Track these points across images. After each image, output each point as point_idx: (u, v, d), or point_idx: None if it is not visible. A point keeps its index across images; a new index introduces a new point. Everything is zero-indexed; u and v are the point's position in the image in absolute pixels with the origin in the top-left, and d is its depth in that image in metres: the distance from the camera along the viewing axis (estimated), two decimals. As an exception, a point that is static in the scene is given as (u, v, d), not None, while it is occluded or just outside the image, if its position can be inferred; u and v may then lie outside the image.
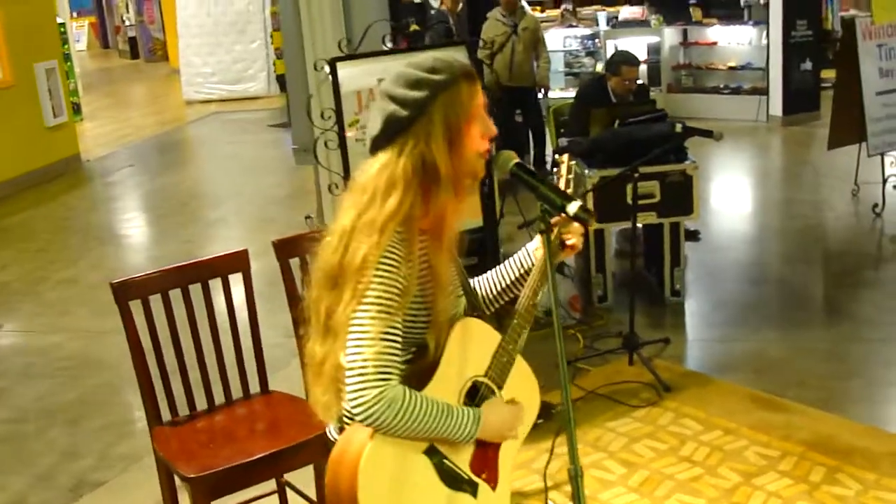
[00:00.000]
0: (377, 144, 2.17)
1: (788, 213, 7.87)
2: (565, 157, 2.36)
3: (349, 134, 4.00)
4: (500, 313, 2.44)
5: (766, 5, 11.48)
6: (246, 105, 15.80)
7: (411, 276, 2.08)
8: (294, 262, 3.31)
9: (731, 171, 9.59)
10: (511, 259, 2.44)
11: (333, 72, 3.88)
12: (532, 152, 9.60)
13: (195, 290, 3.25)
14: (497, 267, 2.48)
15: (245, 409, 3.36)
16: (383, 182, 2.12)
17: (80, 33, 27.36)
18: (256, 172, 10.87)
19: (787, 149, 10.55)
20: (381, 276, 2.05)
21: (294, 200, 9.03)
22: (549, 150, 9.10)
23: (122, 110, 16.67)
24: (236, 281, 3.33)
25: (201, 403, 3.32)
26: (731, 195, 8.75)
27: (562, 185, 2.25)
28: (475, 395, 2.22)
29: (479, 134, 2.16)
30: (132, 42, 25.72)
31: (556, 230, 2.24)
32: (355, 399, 2.00)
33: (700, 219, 6.54)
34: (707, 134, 5.02)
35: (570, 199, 2.10)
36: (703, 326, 5.76)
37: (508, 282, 2.43)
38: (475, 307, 2.37)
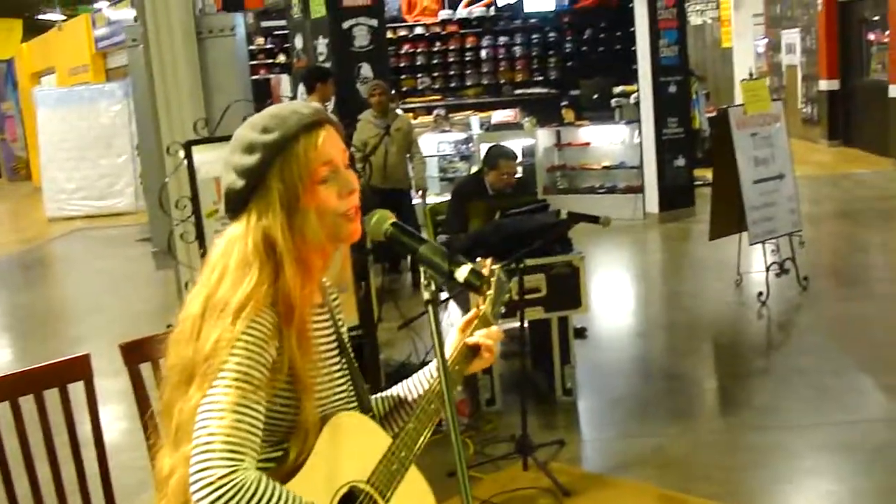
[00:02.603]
0: (229, 217, 1.89)
1: (675, 307, 7.75)
2: (488, 261, 2.09)
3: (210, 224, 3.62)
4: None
5: (637, 104, 11.64)
6: (112, 221, 15.20)
7: (280, 357, 1.77)
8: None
9: (614, 268, 9.49)
10: (414, 376, 2.15)
11: (188, 156, 3.51)
12: (408, 257, 9.31)
13: (27, 402, 2.77)
14: (394, 387, 2.16)
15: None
16: (233, 260, 1.82)
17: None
18: (122, 288, 10.30)
19: (667, 244, 10.55)
20: (241, 347, 1.72)
21: (163, 314, 8.48)
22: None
23: (-20, 230, 15.87)
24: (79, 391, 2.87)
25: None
26: (616, 291, 8.61)
27: (485, 289, 2.02)
28: (351, 503, 1.85)
29: (335, 193, 1.84)
30: (-7, 161, 24.86)
31: (469, 328, 2.03)
32: (197, 481, 1.59)
33: (586, 316, 6.32)
34: (593, 220, 4.82)
35: (458, 262, 1.78)
36: (599, 425, 5.47)
37: (411, 399, 2.13)
38: (367, 409, 2.03)
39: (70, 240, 14.14)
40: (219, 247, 1.88)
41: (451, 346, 2.05)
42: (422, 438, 1.92)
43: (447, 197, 10.33)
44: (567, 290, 5.48)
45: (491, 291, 2.08)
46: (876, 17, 15.62)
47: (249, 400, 1.69)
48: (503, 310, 2.11)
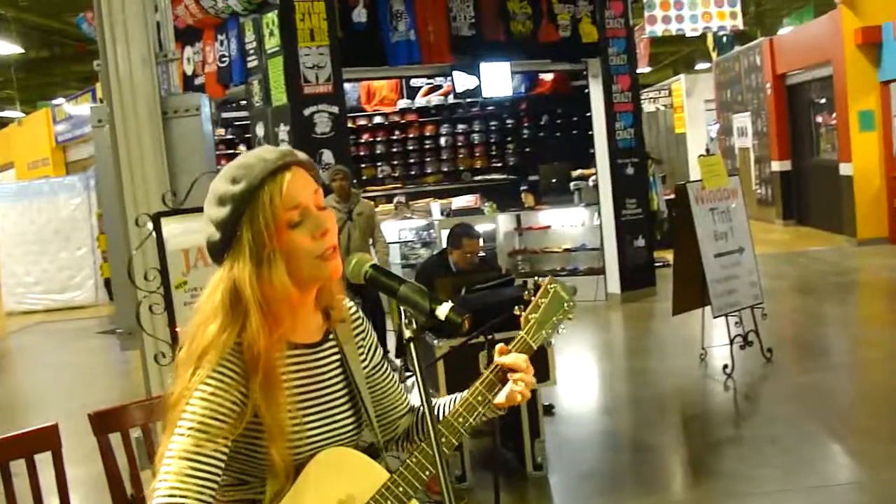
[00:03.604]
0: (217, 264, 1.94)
1: (641, 382, 7.76)
2: (546, 280, 2.07)
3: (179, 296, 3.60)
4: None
5: (596, 187, 11.79)
6: (72, 314, 15.00)
7: (247, 401, 1.81)
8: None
9: (579, 347, 9.49)
10: (446, 398, 2.14)
11: (157, 228, 3.51)
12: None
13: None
14: (455, 395, 2.12)
15: None
16: (208, 307, 1.87)
17: None
18: (83, 380, 10.12)
19: (630, 323, 10.60)
20: (198, 397, 1.78)
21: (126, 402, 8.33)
22: (389, 337, 8.78)
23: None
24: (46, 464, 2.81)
25: None
26: (582, 369, 8.60)
27: (531, 311, 2.03)
28: None
29: (308, 236, 1.86)
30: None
31: (496, 368, 1.99)
32: None
33: (553, 393, 6.29)
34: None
35: (439, 300, 1.78)
36: (571, 499, 5.43)
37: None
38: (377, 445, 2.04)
39: (30, 333, 13.92)
40: (203, 295, 1.91)
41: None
42: (426, 473, 1.90)
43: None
44: (535, 363, 5.45)
45: (536, 314, 2.04)
46: (823, 100, 16.07)
47: (203, 448, 1.75)
48: (560, 331, 2.05)
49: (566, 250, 12.43)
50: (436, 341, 5.43)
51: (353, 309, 2.11)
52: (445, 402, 2.13)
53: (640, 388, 7.58)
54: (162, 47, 4.96)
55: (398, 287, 1.82)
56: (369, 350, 2.12)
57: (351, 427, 2.00)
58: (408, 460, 1.92)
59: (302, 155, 1.92)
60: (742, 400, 7.00)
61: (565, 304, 2.07)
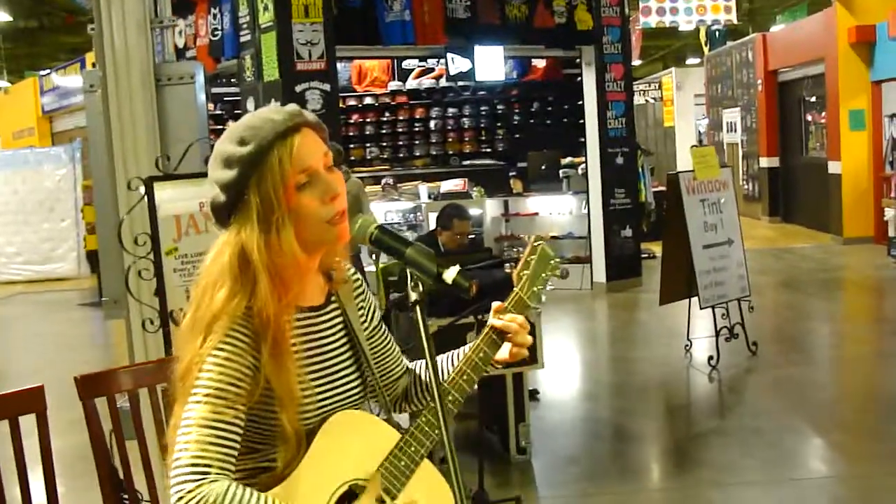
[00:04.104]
0: (217, 228, 1.89)
1: (627, 371, 7.75)
2: (532, 237, 2.07)
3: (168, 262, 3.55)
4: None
5: (585, 175, 11.76)
6: (53, 286, 14.88)
7: (260, 366, 1.77)
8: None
9: (564, 335, 9.48)
10: (452, 353, 2.13)
11: (150, 192, 3.45)
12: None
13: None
14: (449, 353, 2.13)
15: None
16: (214, 273, 1.82)
17: None
18: (64, 351, 10.03)
19: (616, 312, 10.59)
20: (212, 363, 1.73)
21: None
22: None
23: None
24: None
25: None
26: (567, 356, 8.59)
27: (522, 268, 2.05)
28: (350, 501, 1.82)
29: (317, 199, 1.81)
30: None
31: (494, 328, 1.99)
32: (172, 496, 1.65)
33: (538, 379, 6.26)
34: (551, 273, 4.80)
35: (446, 264, 1.75)
36: (555, 483, 5.39)
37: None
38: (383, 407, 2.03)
39: (10, 304, 13.80)
40: (206, 260, 1.86)
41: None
42: (436, 432, 1.87)
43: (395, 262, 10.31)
44: (523, 346, 5.44)
45: (528, 271, 2.05)
46: (813, 98, 16.09)
47: (222, 414, 1.70)
48: (548, 288, 2.07)
49: (553, 238, 12.38)
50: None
51: (352, 270, 2.07)
52: (444, 360, 2.12)
53: (625, 377, 7.57)
54: (158, 13, 4.88)
55: (405, 249, 1.79)
56: (369, 311, 2.10)
57: (357, 389, 1.99)
58: (419, 419, 1.90)
59: (310, 115, 1.88)
60: (727, 391, 7.00)
61: (551, 261, 2.08)
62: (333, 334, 1.97)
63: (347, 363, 1.97)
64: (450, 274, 1.74)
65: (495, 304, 2.03)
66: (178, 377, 1.77)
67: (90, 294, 13.14)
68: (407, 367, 2.21)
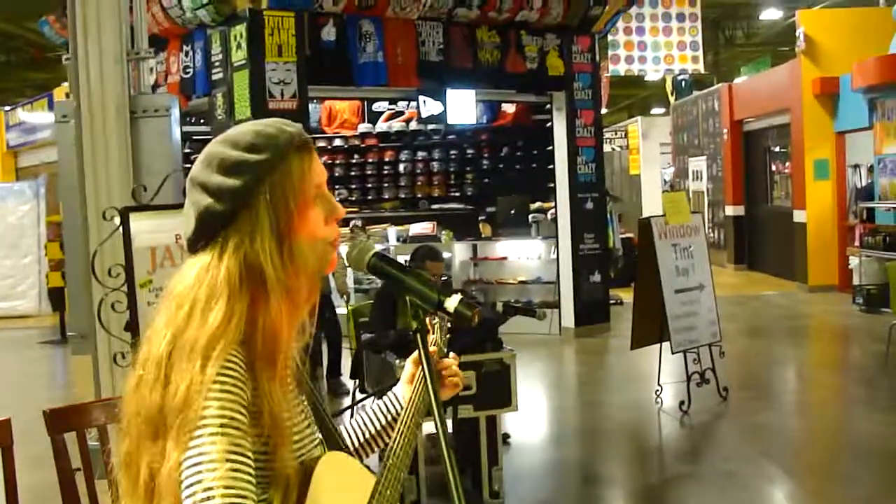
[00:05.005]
0: (193, 245, 1.70)
1: (598, 415, 7.70)
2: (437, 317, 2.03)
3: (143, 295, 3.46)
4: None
5: (555, 220, 11.77)
6: (14, 323, 14.62)
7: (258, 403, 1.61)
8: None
9: (534, 379, 9.41)
10: (377, 403, 2.02)
11: (125, 223, 3.37)
12: (326, 361, 9.13)
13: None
14: (357, 413, 2.04)
15: None
16: (203, 292, 1.63)
17: None
18: (23, 389, 9.81)
19: (586, 357, 10.56)
20: (217, 391, 1.54)
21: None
22: (345, 355, 8.65)
23: None
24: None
25: None
26: (537, 401, 8.52)
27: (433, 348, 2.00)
28: None
29: (322, 218, 1.72)
30: None
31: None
32: None
33: (509, 423, 6.19)
34: (530, 313, 4.79)
35: (447, 292, 1.69)
36: (528, 527, 5.32)
37: (375, 429, 2.02)
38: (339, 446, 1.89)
39: (-33, 342, 13.54)
40: (185, 279, 1.68)
41: (403, 381, 2.00)
42: (402, 475, 1.80)
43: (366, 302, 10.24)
44: (497, 387, 5.39)
45: (436, 321, 2.04)
46: (778, 147, 16.29)
47: (240, 447, 1.53)
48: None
49: (521, 282, 12.38)
50: (396, 360, 5.33)
51: None
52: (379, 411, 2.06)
53: (596, 421, 7.52)
54: (134, 45, 4.83)
55: (404, 276, 1.73)
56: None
57: (314, 429, 1.84)
58: (387, 462, 1.80)
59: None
60: (699, 436, 6.97)
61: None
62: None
63: (299, 400, 1.82)
64: (451, 302, 1.68)
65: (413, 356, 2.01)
66: (174, 410, 1.56)
67: (51, 332, 12.93)
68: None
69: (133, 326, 3.38)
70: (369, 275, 1.74)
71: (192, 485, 1.49)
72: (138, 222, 3.45)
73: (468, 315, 1.69)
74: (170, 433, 1.55)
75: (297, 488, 1.65)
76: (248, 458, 1.54)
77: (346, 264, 1.79)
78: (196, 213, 1.68)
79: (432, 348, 1.99)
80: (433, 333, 2.01)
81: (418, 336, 1.68)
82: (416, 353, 1.97)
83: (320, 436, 1.83)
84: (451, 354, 2.02)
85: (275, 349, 1.63)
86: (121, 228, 3.37)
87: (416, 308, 1.70)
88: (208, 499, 1.46)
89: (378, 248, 1.82)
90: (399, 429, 1.85)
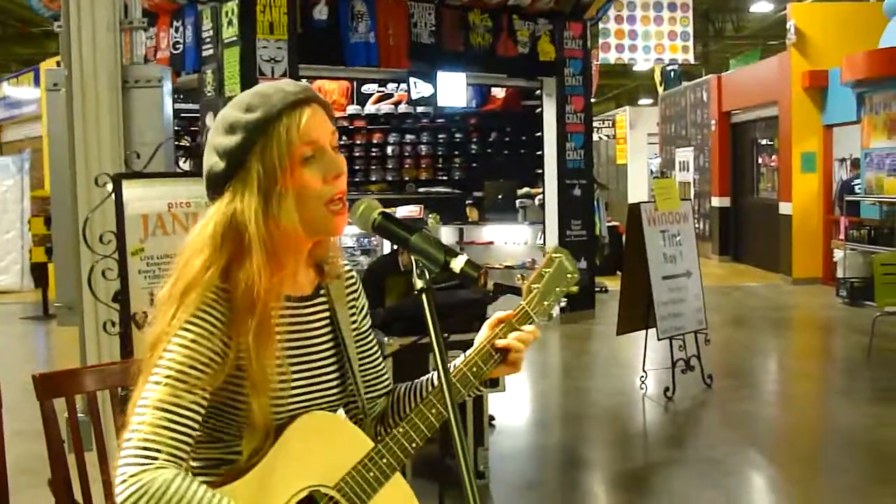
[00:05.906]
0: (211, 202, 1.78)
1: (582, 400, 7.72)
2: (550, 247, 1.99)
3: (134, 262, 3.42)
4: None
5: (542, 206, 11.77)
6: (-5, 298, 14.52)
7: (229, 350, 1.67)
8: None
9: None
10: (427, 376, 2.01)
11: (118, 190, 3.34)
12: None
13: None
14: (420, 379, 2.02)
15: None
16: (194, 243, 1.73)
17: None
18: (5, 364, 9.74)
19: (570, 343, 10.55)
20: (177, 343, 1.64)
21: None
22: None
23: None
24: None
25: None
26: (523, 385, 8.51)
27: (534, 280, 1.95)
28: None
29: (319, 176, 1.74)
30: None
31: (500, 325, 1.89)
32: (117, 476, 1.57)
33: (493, 406, 6.19)
34: (519, 292, 4.74)
35: (453, 252, 1.68)
36: (513, 508, 5.32)
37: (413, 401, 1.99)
38: (358, 413, 1.92)
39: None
40: (194, 231, 1.77)
41: (477, 342, 1.92)
42: (413, 445, 1.79)
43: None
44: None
45: (539, 284, 1.95)
46: (765, 140, 16.32)
47: (180, 398, 1.61)
48: (562, 302, 2.00)
49: (507, 267, 12.36)
50: (385, 339, 5.30)
51: (347, 267, 1.99)
52: (423, 382, 2.01)
53: (581, 406, 7.53)
54: (128, 14, 4.78)
55: (409, 236, 1.71)
56: (360, 311, 2.00)
57: (335, 390, 1.88)
58: (395, 430, 1.81)
59: (320, 95, 1.81)
60: (682, 422, 6.99)
61: (568, 275, 1.98)
62: (318, 328, 1.88)
63: (329, 361, 1.88)
64: (458, 263, 1.66)
65: (498, 314, 1.94)
66: (147, 346, 1.69)
67: (33, 308, 12.84)
68: (389, 389, 2.08)
69: (124, 294, 3.35)
70: (356, 257, 1.73)
71: (131, 424, 1.61)
72: (131, 190, 3.41)
73: (474, 276, 1.67)
74: (143, 372, 1.67)
75: (269, 439, 1.71)
76: (190, 410, 1.62)
77: (351, 221, 1.77)
78: (206, 172, 1.76)
79: (522, 303, 1.95)
80: (524, 299, 1.96)
81: (423, 296, 1.66)
82: (493, 317, 1.95)
83: (341, 401, 1.89)
84: (531, 327, 1.93)
85: (253, 302, 1.67)
86: (113, 195, 3.34)
87: (422, 268, 1.67)
88: (129, 440, 1.58)
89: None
90: (428, 399, 1.85)
